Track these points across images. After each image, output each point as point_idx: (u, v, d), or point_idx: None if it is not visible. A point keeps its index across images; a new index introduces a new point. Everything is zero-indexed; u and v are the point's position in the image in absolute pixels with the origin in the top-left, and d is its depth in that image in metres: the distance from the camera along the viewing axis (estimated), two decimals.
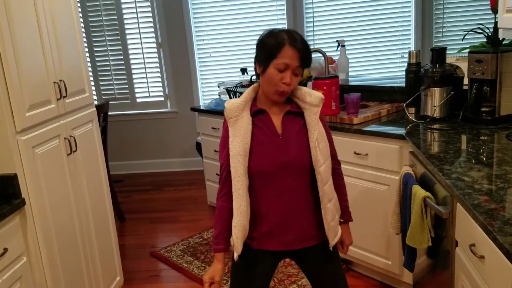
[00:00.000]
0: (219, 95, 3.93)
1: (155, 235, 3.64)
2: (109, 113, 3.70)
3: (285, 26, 4.79)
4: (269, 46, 1.53)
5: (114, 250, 2.59)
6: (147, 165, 5.27)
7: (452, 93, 2.46)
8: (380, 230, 2.53)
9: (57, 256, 1.99)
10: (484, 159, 1.88)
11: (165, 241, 3.51)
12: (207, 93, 5.05)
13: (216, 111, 3.66)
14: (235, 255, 1.64)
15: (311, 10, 4.77)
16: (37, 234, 1.87)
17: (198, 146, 4.36)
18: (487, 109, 2.35)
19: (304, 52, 1.53)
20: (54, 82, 2.04)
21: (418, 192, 1.89)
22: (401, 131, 2.36)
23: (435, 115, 2.48)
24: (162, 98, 5.12)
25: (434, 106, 2.47)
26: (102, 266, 2.41)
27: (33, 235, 1.86)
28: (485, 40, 2.58)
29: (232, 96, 3.71)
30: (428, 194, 1.86)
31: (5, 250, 1.70)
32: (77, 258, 2.17)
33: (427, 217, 1.86)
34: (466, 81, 2.47)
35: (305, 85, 3.24)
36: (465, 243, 1.55)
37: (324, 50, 2.94)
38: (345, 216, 1.85)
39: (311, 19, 4.79)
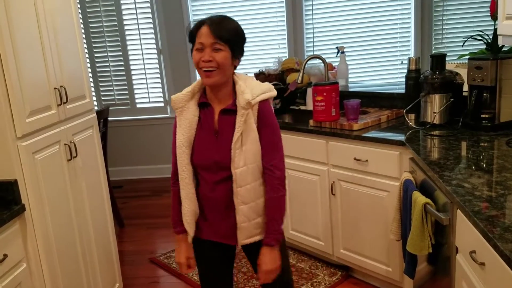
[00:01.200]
0: None
1: (154, 241, 3.63)
2: (109, 118, 3.71)
3: (284, 33, 4.81)
4: (190, 34, 1.57)
5: (113, 256, 2.58)
6: (146, 171, 5.27)
7: (452, 99, 2.46)
8: (380, 237, 2.52)
9: (56, 262, 1.98)
10: (484, 165, 1.88)
11: (164, 247, 3.50)
12: None
13: None
14: (189, 238, 1.73)
15: (310, 17, 4.79)
16: (37, 240, 1.87)
17: None
18: (487, 116, 2.35)
19: (217, 26, 1.51)
20: (55, 88, 2.04)
21: (419, 198, 1.89)
22: (401, 137, 2.36)
23: (435, 122, 2.48)
24: (162, 104, 5.13)
25: (434, 113, 2.47)
26: (101, 272, 2.40)
27: (33, 241, 1.86)
28: (484, 46, 2.59)
29: None
30: (428, 200, 1.86)
31: (5, 256, 1.70)
32: (76, 264, 2.16)
33: (427, 223, 1.86)
34: (466, 87, 2.48)
35: (305, 91, 3.25)
36: (466, 249, 1.55)
37: (323, 56, 2.95)
38: (265, 238, 1.64)
39: (311, 26, 4.81)
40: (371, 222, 2.55)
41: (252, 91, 1.58)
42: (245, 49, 1.63)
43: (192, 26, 1.57)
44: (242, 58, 1.64)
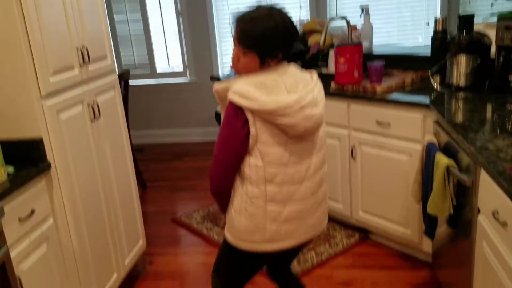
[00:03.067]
0: None
1: (175, 203, 3.70)
2: (129, 82, 3.72)
3: None
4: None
5: (137, 215, 2.64)
6: (166, 135, 5.32)
7: (479, 61, 2.38)
8: (400, 200, 2.52)
9: (82, 218, 2.04)
10: (510, 128, 1.83)
11: (185, 208, 3.57)
12: (227, 62, 5.02)
13: None
14: None
15: None
16: (63, 197, 1.92)
17: (218, 116, 4.36)
18: None
19: (238, 28, 1.48)
20: (77, 48, 2.05)
21: (442, 160, 1.86)
22: (425, 99, 2.31)
23: (461, 84, 2.42)
24: (181, 68, 5.12)
25: (460, 74, 2.40)
26: (125, 230, 2.47)
27: (59, 198, 1.91)
28: None
29: None
30: (451, 162, 1.83)
31: (33, 211, 1.76)
32: (101, 221, 2.23)
33: (449, 185, 1.84)
34: (493, 49, 2.39)
35: (327, 54, 3.19)
36: (488, 210, 1.53)
37: (347, 17, 2.87)
38: None
39: None
40: (391, 186, 2.54)
41: (234, 84, 1.47)
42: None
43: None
44: None
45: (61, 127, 1.91)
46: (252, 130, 1.44)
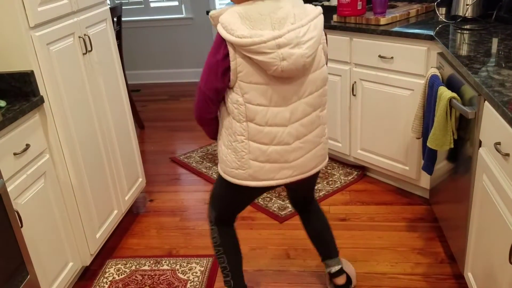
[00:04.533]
0: None
1: (174, 143, 3.69)
2: (122, 18, 3.58)
3: None
4: None
5: (135, 153, 2.63)
6: (163, 75, 5.21)
7: None
8: (400, 136, 2.50)
9: (79, 153, 2.02)
10: None
11: (184, 148, 3.56)
12: None
13: None
14: None
15: None
16: (58, 132, 1.89)
17: None
18: None
19: None
20: None
21: (444, 93, 1.82)
22: (430, 32, 2.23)
23: (467, 15, 2.32)
24: (176, 3, 4.92)
25: (467, 5, 2.30)
26: (124, 167, 2.47)
27: (54, 132, 1.88)
28: None
29: None
30: (454, 95, 1.79)
31: (27, 146, 1.73)
32: (99, 157, 2.21)
33: (451, 118, 1.81)
34: None
35: None
36: (490, 142, 1.51)
37: None
38: None
39: None
40: (391, 122, 2.51)
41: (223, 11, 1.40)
42: None
43: None
44: None
45: (52, 59, 1.84)
46: (232, 64, 1.37)
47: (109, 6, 2.48)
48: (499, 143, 1.43)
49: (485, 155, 1.56)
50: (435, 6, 2.45)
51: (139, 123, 3.95)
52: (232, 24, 1.34)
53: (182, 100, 4.66)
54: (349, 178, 2.87)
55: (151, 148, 3.60)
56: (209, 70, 1.43)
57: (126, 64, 4.17)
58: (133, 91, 4.40)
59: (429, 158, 2.09)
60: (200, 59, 5.04)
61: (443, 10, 2.49)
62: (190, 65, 5.13)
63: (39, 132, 1.83)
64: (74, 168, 1.98)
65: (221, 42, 1.38)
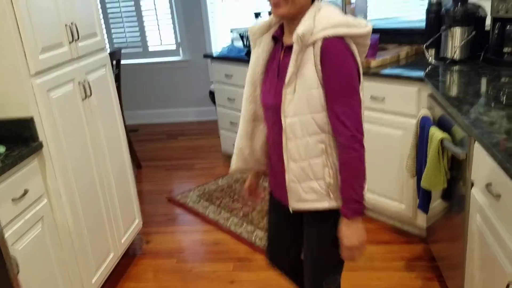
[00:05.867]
0: (232, 41, 3.85)
1: (171, 182, 3.70)
2: (121, 62, 3.67)
3: None
4: None
5: (132, 193, 2.64)
6: (161, 115, 5.28)
7: (474, 33, 2.36)
8: (395, 175, 2.53)
9: (77, 197, 2.03)
10: (505, 100, 1.83)
11: (181, 187, 3.57)
12: (220, 40, 4.96)
13: (229, 58, 3.60)
14: (230, 170, 1.63)
15: None
16: (56, 176, 1.91)
17: (212, 95, 4.33)
18: (509, 50, 2.26)
19: None
20: (66, 25, 2.00)
21: (436, 134, 1.86)
22: (420, 73, 2.30)
23: (455, 57, 2.40)
24: (174, 47, 5.05)
25: (455, 47, 2.39)
26: (121, 209, 2.47)
27: (53, 177, 1.90)
28: None
29: (245, 42, 3.63)
30: (446, 135, 1.83)
31: (26, 191, 1.75)
32: (96, 200, 2.22)
33: (443, 158, 1.84)
34: (488, 21, 2.37)
35: None
36: (482, 183, 1.54)
37: None
38: (341, 207, 1.38)
39: None
40: (385, 161, 2.55)
41: (317, 23, 1.27)
42: None
43: None
44: None
45: (52, 105, 1.88)
46: (357, 61, 1.32)
47: (109, 51, 2.56)
48: (490, 184, 1.46)
49: (477, 196, 1.59)
50: (424, 48, 2.53)
51: (137, 163, 3.97)
52: (346, 17, 1.28)
53: (180, 139, 4.71)
54: None
55: (148, 188, 3.61)
56: (355, 79, 1.31)
57: (125, 104, 4.23)
58: (131, 131, 4.44)
59: (424, 197, 2.11)
60: (198, 98, 5.13)
61: (432, 52, 2.57)
62: (187, 105, 5.21)
63: (38, 177, 1.85)
64: (72, 212, 1.99)
65: (348, 45, 1.28)
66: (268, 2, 1.33)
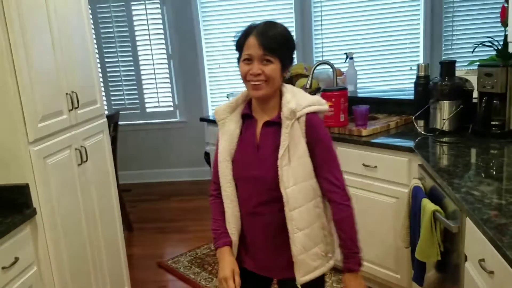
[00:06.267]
0: None
1: (162, 246, 3.65)
2: (119, 123, 3.74)
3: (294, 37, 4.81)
4: (237, 42, 1.47)
5: (122, 260, 2.59)
6: (155, 174, 5.29)
7: (462, 106, 2.45)
8: (389, 243, 2.51)
9: (66, 266, 2.00)
10: (494, 173, 1.87)
11: (172, 251, 3.51)
12: (216, 103, 5.08)
13: None
14: (234, 249, 1.58)
15: (319, 23, 4.80)
16: (47, 244, 1.89)
17: (207, 156, 4.38)
18: (496, 123, 2.34)
19: (267, 37, 1.39)
20: (66, 94, 2.06)
21: (428, 206, 1.88)
22: (410, 143, 2.36)
23: (444, 128, 2.47)
24: (171, 108, 5.16)
25: (443, 119, 2.46)
26: (110, 276, 2.42)
27: (44, 244, 1.88)
28: (495, 53, 2.58)
29: None
30: (437, 208, 1.85)
31: (16, 259, 1.72)
32: (86, 268, 2.18)
33: (436, 231, 1.85)
34: (475, 94, 2.47)
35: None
36: (475, 258, 1.54)
37: (332, 62, 2.95)
38: (345, 263, 1.50)
39: (320, 31, 4.82)
40: (379, 229, 2.54)
41: (298, 101, 1.45)
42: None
43: (239, 34, 1.47)
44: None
45: (47, 172, 1.90)
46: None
47: (107, 113, 2.61)
48: (483, 260, 1.46)
49: (471, 271, 1.58)
50: (414, 119, 2.61)
51: (128, 226, 3.92)
52: (315, 97, 1.52)
53: (173, 199, 4.69)
54: (342, 285, 2.82)
55: (139, 252, 3.54)
56: (339, 161, 1.51)
57: (119, 164, 4.25)
58: (124, 190, 4.42)
59: (418, 268, 2.09)
60: (192, 159, 5.17)
61: (421, 123, 2.65)
62: (182, 165, 5.24)
63: (29, 245, 1.82)
64: (61, 280, 1.95)
65: (322, 122, 1.51)
66: (246, 82, 1.46)
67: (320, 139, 1.48)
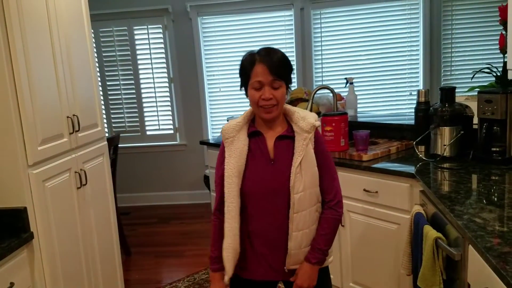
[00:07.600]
0: None
1: (160, 270, 3.59)
2: (119, 145, 3.73)
3: (294, 63, 4.88)
4: (243, 70, 1.59)
5: (119, 285, 2.55)
6: (154, 197, 5.26)
7: (462, 132, 2.45)
8: (391, 270, 2.48)
9: None
10: (496, 199, 1.85)
11: (170, 276, 3.46)
12: (216, 126, 5.10)
13: None
14: (226, 278, 1.66)
15: (319, 48, 4.85)
16: (44, 268, 1.86)
17: (206, 179, 4.36)
18: (497, 149, 2.33)
19: (273, 63, 1.55)
20: (68, 117, 2.07)
21: (430, 232, 1.86)
22: (411, 169, 2.34)
23: (445, 154, 2.47)
24: (171, 131, 5.17)
25: (444, 145, 2.46)
26: None
27: (40, 269, 1.85)
28: (494, 79, 2.59)
29: None
30: (439, 235, 1.82)
31: (12, 284, 1.69)
32: None
33: (438, 258, 1.82)
34: (476, 120, 2.47)
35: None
36: (478, 286, 1.51)
37: (332, 87, 2.97)
38: (308, 253, 1.65)
39: (320, 57, 4.87)
40: (381, 255, 2.51)
41: (309, 117, 1.64)
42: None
43: (244, 59, 1.60)
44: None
45: (46, 195, 1.89)
46: None
47: (107, 136, 2.61)
48: None
49: None
50: (414, 145, 2.61)
51: (126, 250, 3.87)
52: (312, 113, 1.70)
53: (172, 223, 4.64)
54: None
55: (136, 277, 3.49)
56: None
57: (118, 186, 4.24)
58: (122, 213, 4.39)
59: None
60: (192, 182, 5.15)
61: (422, 148, 2.65)
62: (181, 188, 5.22)
63: (25, 269, 1.80)
64: None
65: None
66: (258, 107, 1.58)
67: (325, 150, 1.69)
